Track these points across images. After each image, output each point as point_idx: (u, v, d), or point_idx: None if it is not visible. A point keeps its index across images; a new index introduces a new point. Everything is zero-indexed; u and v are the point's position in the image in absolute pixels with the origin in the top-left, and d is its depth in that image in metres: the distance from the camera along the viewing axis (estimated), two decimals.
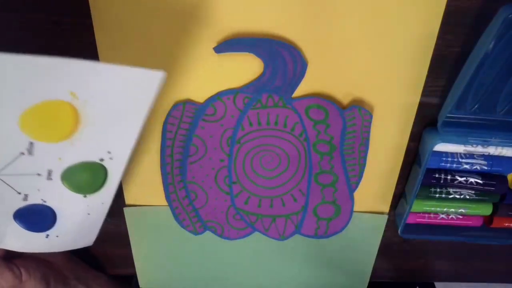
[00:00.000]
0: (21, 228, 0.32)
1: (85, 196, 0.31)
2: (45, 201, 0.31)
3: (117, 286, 0.46)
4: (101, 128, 0.27)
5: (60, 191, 0.31)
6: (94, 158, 0.29)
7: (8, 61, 0.22)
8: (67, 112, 0.26)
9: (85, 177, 0.30)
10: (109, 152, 0.29)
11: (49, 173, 0.29)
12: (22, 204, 0.31)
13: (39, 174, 0.29)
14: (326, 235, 0.40)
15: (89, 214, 0.33)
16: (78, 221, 0.33)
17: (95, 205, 0.32)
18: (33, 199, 0.31)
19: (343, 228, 0.40)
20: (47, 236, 0.34)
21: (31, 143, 0.27)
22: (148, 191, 0.38)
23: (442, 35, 0.31)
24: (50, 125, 0.27)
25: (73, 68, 0.24)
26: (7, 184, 0.29)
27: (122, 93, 0.26)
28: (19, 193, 0.30)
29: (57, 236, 0.34)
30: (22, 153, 0.28)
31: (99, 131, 0.28)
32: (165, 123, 0.34)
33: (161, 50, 0.31)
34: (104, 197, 0.32)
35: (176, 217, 0.39)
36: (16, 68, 0.23)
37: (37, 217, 0.32)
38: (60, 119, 0.26)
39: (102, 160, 0.29)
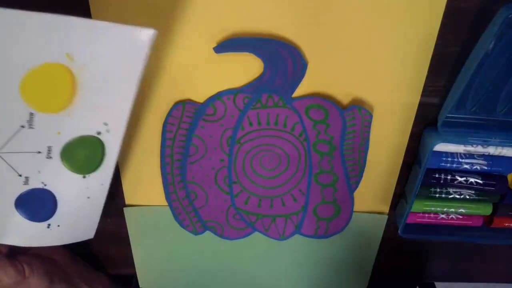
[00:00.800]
0: (23, 219, 0.33)
1: (84, 177, 0.32)
2: (45, 185, 0.31)
3: (117, 286, 0.46)
4: (97, 94, 0.28)
5: (60, 171, 0.31)
6: (91, 131, 0.29)
7: (8, 16, 0.23)
8: (65, 78, 0.26)
9: (84, 153, 0.30)
10: (105, 124, 0.29)
11: (49, 150, 0.30)
12: (23, 189, 0.31)
13: (39, 152, 0.29)
14: (326, 235, 0.40)
15: (89, 197, 0.33)
16: (78, 207, 0.33)
17: (95, 187, 0.32)
18: (34, 183, 0.31)
19: (343, 228, 0.40)
20: (49, 226, 0.34)
21: (31, 114, 0.28)
22: (148, 191, 0.38)
23: (442, 35, 0.31)
24: (49, 93, 0.27)
25: (66, 24, 0.24)
26: (8, 164, 0.29)
27: (115, 52, 0.26)
28: (20, 176, 0.30)
29: (58, 226, 0.34)
30: (22, 126, 0.28)
31: (96, 98, 0.28)
32: (165, 123, 0.34)
33: (161, 50, 0.31)
34: (103, 177, 0.32)
35: (176, 217, 0.39)
36: (15, 24, 0.24)
37: (38, 204, 0.32)
38: (59, 85, 0.27)
39: (99, 133, 0.29)
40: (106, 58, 0.26)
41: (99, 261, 0.45)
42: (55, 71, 0.26)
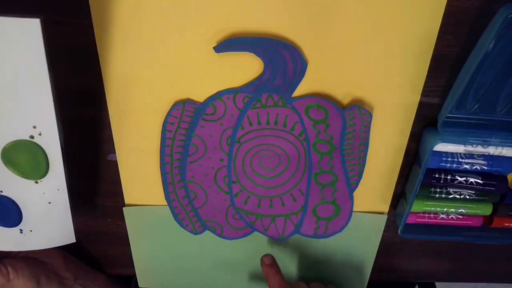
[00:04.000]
0: None
1: (36, 182, 0.32)
2: (1, 191, 0.32)
3: (117, 286, 0.46)
4: (10, 97, 0.27)
5: (9, 177, 0.31)
6: (23, 135, 0.30)
7: None
8: None
9: (24, 158, 0.30)
10: (34, 127, 0.29)
11: None
12: None
13: None
14: (326, 235, 0.40)
15: (50, 203, 0.33)
16: (43, 212, 0.33)
17: (51, 192, 0.33)
18: None
19: (342, 228, 0.40)
20: (21, 231, 0.34)
21: None
22: (147, 190, 0.38)
23: (442, 35, 0.31)
24: None
25: None
26: None
27: (7, 48, 0.25)
28: None
29: (31, 231, 0.34)
30: None
31: (10, 100, 0.28)
32: (165, 122, 0.34)
33: (161, 50, 0.31)
34: (56, 181, 0.32)
35: (175, 216, 0.39)
36: None
37: (1, 210, 0.33)
38: None
39: (32, 137, 0.30)
40: (1, 56, 0.26)
41: (99, 261, 0.45)
42: None
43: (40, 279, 0.36)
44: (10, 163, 0.31)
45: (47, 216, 0.34)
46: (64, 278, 0.39)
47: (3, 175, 0.31)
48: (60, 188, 0.33)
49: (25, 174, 0.31)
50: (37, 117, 0.29)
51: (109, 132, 0.35)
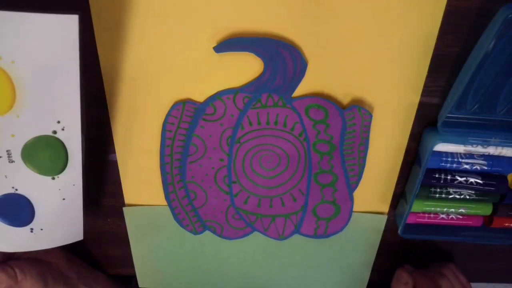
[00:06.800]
0: (5, 224, 0.33)
1: (53, 178, 0.32)
2: (16, 189, 0.31)
3: (117, 286, 0.46)
4: (40, 91, 0.27)
5: (27, 174, 0.31)
6: (46, 131, 0.29)
7: None
8: None
9: (45, 154, 0.30)
10: (58, 122, 0.29)
11: (9, 154, 0.29)
12: None
13: None
14: (326, 235, 0.40)
15: (64, 199, 0.33)
16: (56, 209, 0.33)
17: (67, 188, 0.32)
18: (4, 188, 0.31)
19: (342, 228, 0.40)
20: (32, 230, 0.34)
21: None
22: (147, 191, 0.38)
23: (442, 35, 0.31)
24: None
25: None
26: None
27: (43, 45, 0.25)
28: None
29: (41, 229, 0.34)
30: None
31: (39, 95, 0.27)
32: (165, 122, 0.34)
33: (161, 49, 0.31)
34: (73, 177, 0.32)
35: (175, 216, 0.39)
36: None
37: (15, 209, 0.32)
38: None
39: (55, 132, 0.29)
40: (35, 52, 0.26)
41: (99, 261, 0.45)
42: None
43: (47, 279, 0.36)
44: (29, 160, 0.30)
45: (60, 213, 0.33)
46: (68, 278, 0.39)
47: (21, 172, 0.30)
48: (76, 183, 0.32)
49: (43, 171, 0.31)
50: (63, 112, 0.29)
51: (109, 132, 0.35)
